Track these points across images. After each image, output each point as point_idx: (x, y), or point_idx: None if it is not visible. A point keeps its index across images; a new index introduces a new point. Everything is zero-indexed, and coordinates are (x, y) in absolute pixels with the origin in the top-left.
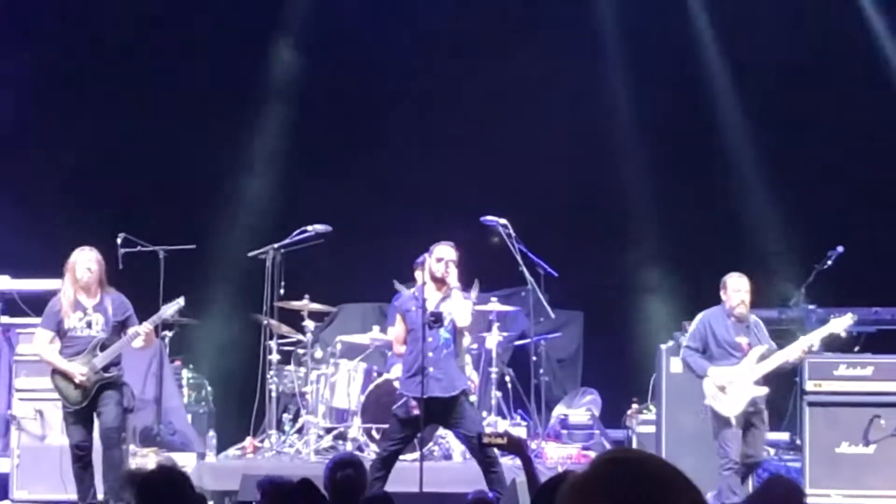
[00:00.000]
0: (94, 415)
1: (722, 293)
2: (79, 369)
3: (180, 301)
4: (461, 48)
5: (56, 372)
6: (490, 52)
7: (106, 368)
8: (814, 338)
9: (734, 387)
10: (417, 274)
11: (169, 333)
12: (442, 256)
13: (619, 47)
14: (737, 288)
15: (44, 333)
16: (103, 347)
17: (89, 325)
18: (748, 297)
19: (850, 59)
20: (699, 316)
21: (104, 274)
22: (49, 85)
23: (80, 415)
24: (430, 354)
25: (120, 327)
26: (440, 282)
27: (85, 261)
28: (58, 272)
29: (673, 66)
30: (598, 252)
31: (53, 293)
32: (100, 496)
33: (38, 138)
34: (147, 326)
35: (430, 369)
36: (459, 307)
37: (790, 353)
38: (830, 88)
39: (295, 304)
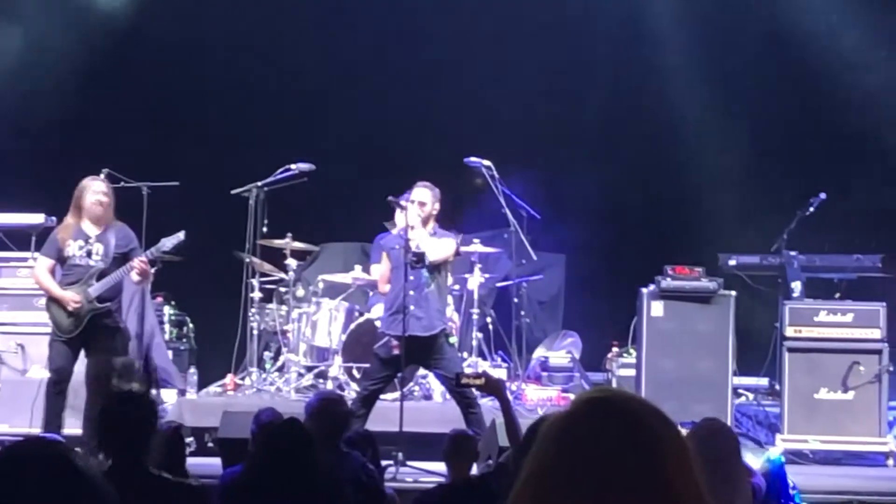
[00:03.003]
0: (83, 348)
1: None
2: (72, 297)
3: (180, 235)
4: None
5: (51, 299)
6: None
7: (101, 299)
8: None
9: None
10: (398, 214)
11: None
12: (413, 198)
13: None
14: None
15: (43, 260)
16: (100, 277)
17: (89, 253)
18: None
19: None
20: None
21: (112, 207)
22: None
23: (68, 344)
24: (412, 293)
25: (122, 259)
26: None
27: (94, 192)
28: (42, 206)
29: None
30: (580, 194)
31: (35, 227)
32: (72, 431)
33: (24, 73)
34: (142, 259)
35: (411, 307)
36: (431, 243)
37: None
38: None
39: (277, 243)
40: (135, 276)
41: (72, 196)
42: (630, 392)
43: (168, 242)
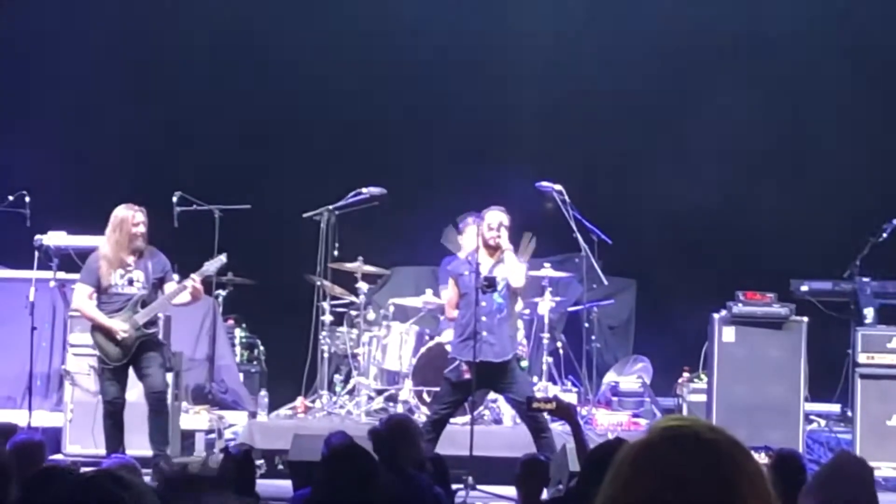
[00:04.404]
0: (135, 373)
1: None
2: (120, 325)
3: (222, 258)
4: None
5: (96, 328)
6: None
7: (146, 325)
8: None
9: None
10: (461, 236)
11: (223, 293)
12: (494, 222)
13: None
14: None
15: (84, 288)
16: (144, 304)
17: (130, 282)
18: None
19: None
20: None
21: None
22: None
23: (117, 371)
24: (484, 319)
25: (159, 284)
26: (493, 248)
27: (135, 222)
28: None
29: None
30: (652, 220)
31: None
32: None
33: (98, 96)
34: (193, 280)
35: (483, 333)
36: (513, 269)
37: None
38: None
39: (348, 266)
40: (186, 297)
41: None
42: (707, 421)
43: (211, 266)
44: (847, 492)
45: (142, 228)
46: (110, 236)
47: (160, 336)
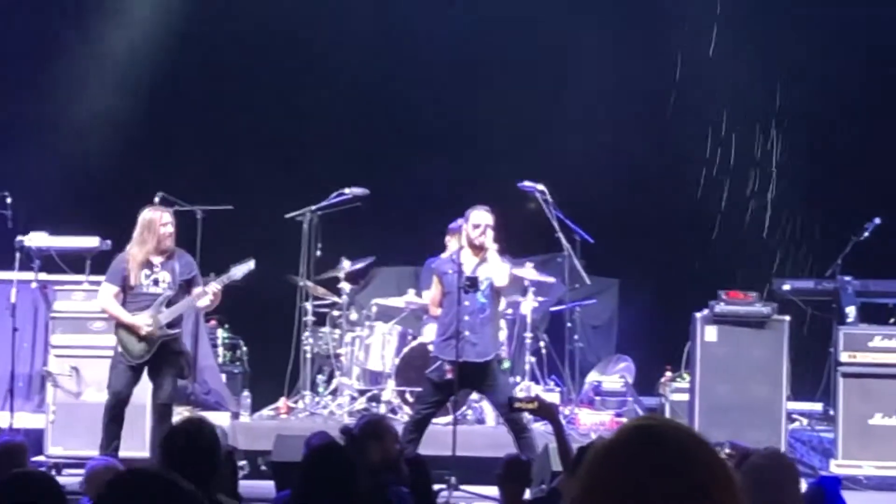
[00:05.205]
0: (148, 375)
1: None
2: (144, 321)
3: (251, 264)
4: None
5: (120, 325)
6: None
7: (169, 325)
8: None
9: None
10: (450, 240)
11: None
12: (479, 222)
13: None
14: None
15: (108, 288)
16: (169, 304)
17: (156, 282)
18: None
19: None
20: None
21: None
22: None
23: (133, 368)
24: (466, 318)
25: (186, 286)
26: (477, 247)
27: (164, 223)
28: (94, 229)
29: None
30: (634, 219)
31: (90, 250)
32: (131, 453)
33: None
34: (216, 287)
35: (466, 333)
36: (496, 268)
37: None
38: None
39: (332, 273)
40: (206, 302)
41: (131, 221)
42: (676, 421)
43: (238, 272)
44: (767, 492)
45: (170, 228)
46: (138, 238)
47: (184, 340)
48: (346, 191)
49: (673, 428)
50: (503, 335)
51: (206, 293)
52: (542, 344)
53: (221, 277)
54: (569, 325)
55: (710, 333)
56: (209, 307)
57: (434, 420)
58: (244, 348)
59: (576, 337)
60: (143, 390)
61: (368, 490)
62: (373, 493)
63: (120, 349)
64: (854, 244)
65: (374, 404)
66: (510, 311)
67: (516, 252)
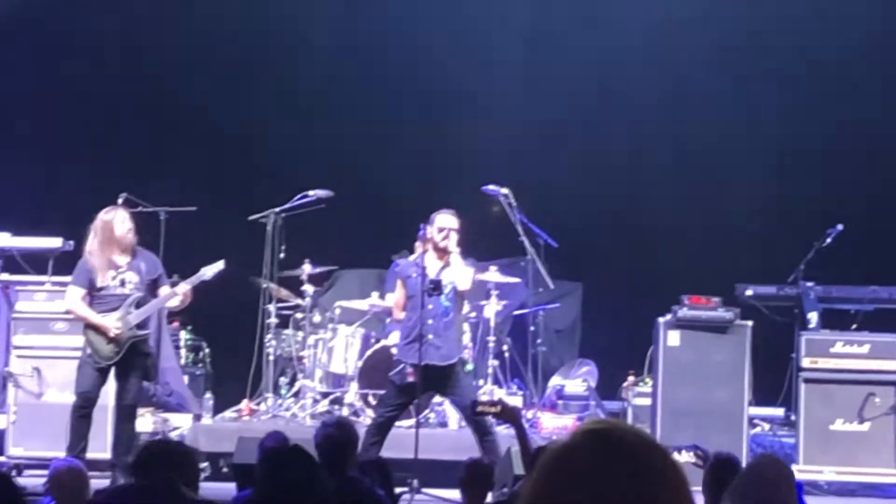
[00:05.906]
0: (114, 375)
1: None
2: (113, 322)
3: (220, 265)
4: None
5: (88, 326)
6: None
7: (139, 326)
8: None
9: None
10: (419, 247)
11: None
12: (443, 225)
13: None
14: None
15: (75, 290)
16: (138, 305)
17: (122, 283)
18: None
19: None
20: None
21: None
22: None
23: (100, 370)
24: (430, 322)
25: (153, 286)
26: (441, 251)
27: (123, 221)
28: (56, 230)
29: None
30: (597, 225)
31: (52, 251)
32: (94, 454)
33: (38, 95)
34: (185, 287)
35: (429, 336)
36: (460, 272)
37: None
38: None
39: (295, 272)
40: (176, 302)
41: (90, 222)
42: (629, 425)
43: (209, 272)
44: (763, 495)
45: (128, 224)
46: (92, 241)
47: (151, 341)
48: (311, 193)
49: (626, 432)
50: (467, 338)
51: (177, 294)
52: (504, 347)
53: (191, 278)
54: (532, 328)
55: (673, 338)
56: (179, 307)
57: (397, 423)
58: (207, 350)
59: (539, 341)
60: (106, 392)
61: (343, 491)
62: (350, 495)
63: (89, 350)
64: (816, 250)
65: (336, 407)
66: (473, 314)
67: (480, 255)
